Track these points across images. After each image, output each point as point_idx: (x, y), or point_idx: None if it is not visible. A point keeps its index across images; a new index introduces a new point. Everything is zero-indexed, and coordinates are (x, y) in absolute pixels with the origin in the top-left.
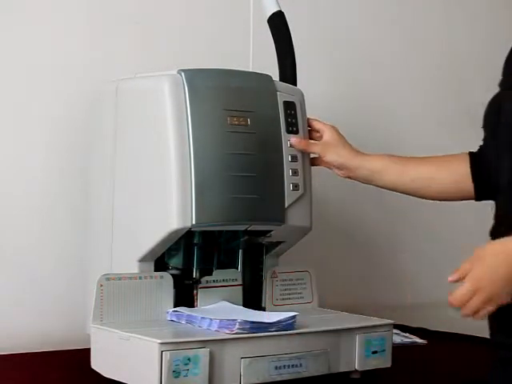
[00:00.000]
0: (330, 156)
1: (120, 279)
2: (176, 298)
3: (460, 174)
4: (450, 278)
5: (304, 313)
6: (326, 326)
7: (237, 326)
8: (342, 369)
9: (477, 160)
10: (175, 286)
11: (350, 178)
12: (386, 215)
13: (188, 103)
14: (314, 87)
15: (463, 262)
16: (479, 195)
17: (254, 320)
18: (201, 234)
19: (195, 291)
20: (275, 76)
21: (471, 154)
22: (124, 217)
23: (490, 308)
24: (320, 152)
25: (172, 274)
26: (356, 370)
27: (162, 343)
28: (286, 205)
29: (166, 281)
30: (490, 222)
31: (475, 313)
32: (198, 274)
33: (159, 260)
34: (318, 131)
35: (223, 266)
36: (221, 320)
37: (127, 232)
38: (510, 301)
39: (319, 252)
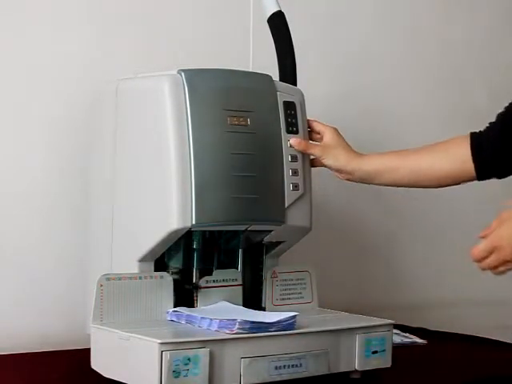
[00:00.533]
0: (329, 160)
1: (120, 279)
2: (176, 298)
3: (459, 157)
4: (480, 235)
5: (304, 313)
6: (326, 326)
7: (237, 326)
8: (342, 369)
9: (480, 139)
10: (175, 286)
11: (349, 180)
12: (386, 215)
13: (188, 103)
14: (314, 87)
15: (494, 220)
16: (481, 175)
17: (254, 320)
18: (201, 234)
19: (195, 292)
20: (275, 76)
21: (472, 134)
22: (124, 217)
23: (508, 268)
24: (319, 154)
25: (172, 274)
26: (356, 370)
27: (162, 343)
28: (286, 205)
29: (166, 281)
30: (489, 222)
31: (492, 269)
32: (197, 277)
33: (159, 260)
34: (318, 133)
35: (223, 266)
36: (220, 320)
37: (127, 232)
38: None
39: (319, 252)
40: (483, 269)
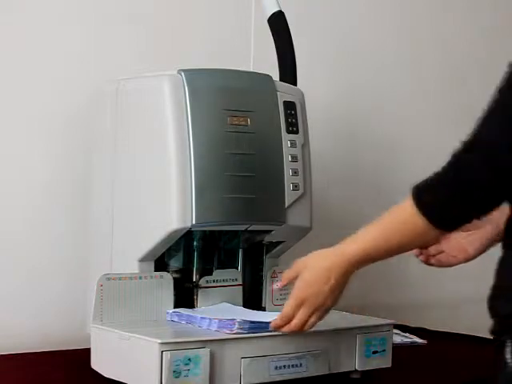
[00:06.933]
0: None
1: (120, 279)
2: (176, 298)
3: None
4: (279, 285)
5: None
6: (326, 326)
7: (236, 326)
8: (342, 369)
9: None
10: (175, 286)
11: None
12: None
13: (188, 103)
14: (314, 87)
15: (289, 271)
16: None
17: (254, 320)
18: (201, 233)
19: (195, 292)
20: (275, 76)
21: None
22: (124, 217)
23: (317, 318)
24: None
25: (172, 274)
26: (356, 370)
27: (162, 343)
28: (286, 205)
29: (166, 281)
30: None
31: (304, 324)
32: (197, 277)
33: (159, 260)
34: None
35: (223, 265)
36: (220, 320)
37: (127, 232)
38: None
39: None
40: (297, 328)
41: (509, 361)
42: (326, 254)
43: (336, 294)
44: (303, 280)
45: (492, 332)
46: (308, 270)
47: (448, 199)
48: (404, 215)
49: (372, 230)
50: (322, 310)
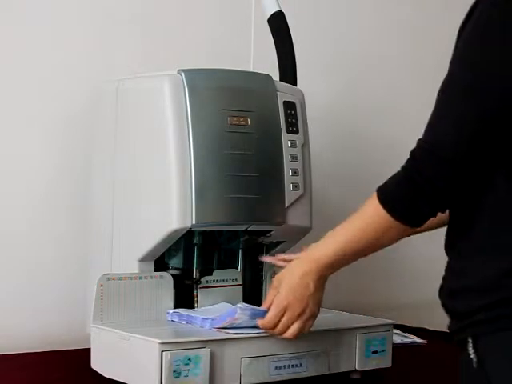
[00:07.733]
0: None
1: (120, 279)
2: (176, 298)
3: None
4: (264, 307)
5: None
6: (326, 326)
7: (238, 312)
8: (342, 369)
9: None
10: (175, 286)
11: None
12: None
13: (188, 103)
14: (314, 87)
15: (269, 291)
16: None
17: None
18: (201, 234)
19: (195, 292)
20: (275, 76)
21: None
22: (124, 217)
23: (303, 323)
24: None
25: (172, 274)
26: (356, 370)
27: (162, 343)
28: (286, 205)
29: (166, 281)
30: None
31: (288, 329)
32: (198, 274)
33: (159, 260)
34: None
35: (223, 265)
36: (220, 315)
37: (127, 232)
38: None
39: None
40: (280, 333)
41: (472, 356)
42: (300, 261)
43: (317, 298)
44: (284, 289)
45: (451, 330)
46: (287, 279)
47: (409, 196)
48: (372, 215)
49: (342, 231)
50: (307, 315)
